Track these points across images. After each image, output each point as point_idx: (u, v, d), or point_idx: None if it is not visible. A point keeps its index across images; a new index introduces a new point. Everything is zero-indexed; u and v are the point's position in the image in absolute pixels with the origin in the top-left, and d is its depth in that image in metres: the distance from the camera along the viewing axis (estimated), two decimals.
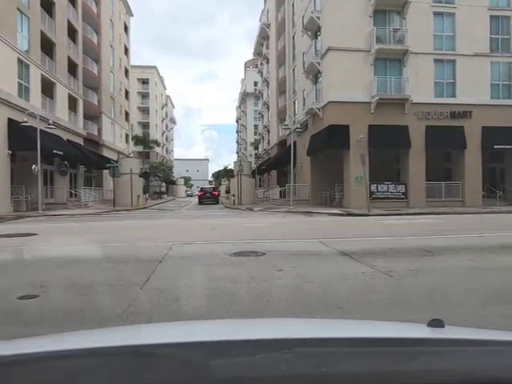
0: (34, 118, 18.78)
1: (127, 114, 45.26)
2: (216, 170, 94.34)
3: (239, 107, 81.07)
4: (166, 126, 78.79)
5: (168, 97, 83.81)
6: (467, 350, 0.91)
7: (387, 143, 20.20)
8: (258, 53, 47.87)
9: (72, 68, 27.74)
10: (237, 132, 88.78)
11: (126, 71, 45.19)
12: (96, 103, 33.16)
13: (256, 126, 65.20)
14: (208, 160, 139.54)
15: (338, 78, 20.32)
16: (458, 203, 20.54)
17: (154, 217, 18.16)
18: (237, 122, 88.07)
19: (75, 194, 25.85)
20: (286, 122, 26.40)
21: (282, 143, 32.39)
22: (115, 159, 31.82)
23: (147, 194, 38.15)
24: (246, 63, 74.56)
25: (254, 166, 42.70)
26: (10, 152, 19.13)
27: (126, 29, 45.69)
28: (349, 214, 16.70)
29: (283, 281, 4.77)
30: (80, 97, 29.25)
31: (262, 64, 45.57)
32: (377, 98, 20.18)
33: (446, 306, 3.58)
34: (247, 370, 0.79)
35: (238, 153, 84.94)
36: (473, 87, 20.79)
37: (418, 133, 20.48)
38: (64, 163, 24.35)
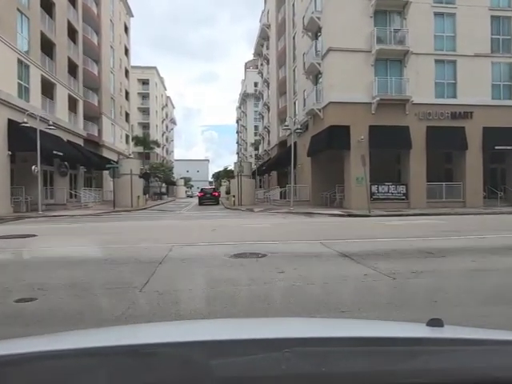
0: (33, 118, 18.75)
1: (127, 115, 45.26)
2: (216, 170, 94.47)
3: (239, 108, 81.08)
4: (167, 127, 78.79)
5: (168, 97, 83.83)
6: (466, 350, 0.91)
7: (388, 144, 20.15)
8: (258, 53, 47.87)
9: (72, 69, 27.71)
10: (237, 133, 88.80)
11: (127, 72, 45.19)
12: (96, 104, 33.14)
13: (256, 127, 65.19)
14: (208, 161, 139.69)
15: (339, 78, 20.28)
16: (459, 204, 20.49)
17: (154, 218, 18.12)
18: (237, 122, 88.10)
19: (75, 195, 25.81)
20: (286, 123, 26.40)
21: (283, 144, 32.35)
22: (115, 160, 31.80)
23: (147, 195, 38.12)
24: (246, 64, 74.56)
25: (254, 166, 42.67)
26: (10, 153, 19.09)
27: (126, 29, 45.70)
28: (349, 215, 16.65)
29: (284, 283, 4.71)
30: (80, 97, 29.23)
31: (262, 65, 45.56)
32: (377, 98, 20.14)
33: (450, 309, 3.52)
34: (247, 370, 0.78)
35: (238, 153, 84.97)
36: (474, 88, 20.74)
37: (418, 133, 20.44)
38: (64, 164, 24.31)
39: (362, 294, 4.32)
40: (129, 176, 26.39)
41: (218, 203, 33.13)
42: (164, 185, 58.39)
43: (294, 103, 30.04)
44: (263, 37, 41.79)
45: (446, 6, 21.11)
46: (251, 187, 30.37)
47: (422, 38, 20.59)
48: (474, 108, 20.75)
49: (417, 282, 4.79)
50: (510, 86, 21.68)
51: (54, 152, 21.08)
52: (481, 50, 21.08)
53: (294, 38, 29.78)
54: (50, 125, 19.70)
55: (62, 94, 25.63)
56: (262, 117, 48.86)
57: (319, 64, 22.19)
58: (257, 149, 56.71)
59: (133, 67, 51.07)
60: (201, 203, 32.70)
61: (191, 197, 70.19)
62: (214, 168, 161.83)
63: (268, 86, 41.63)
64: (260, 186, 43.17)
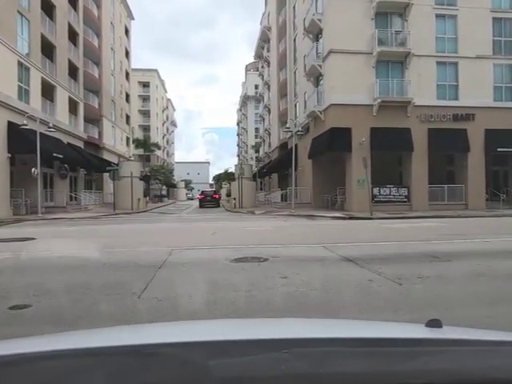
0: (33, 120, 18.67)
1: (128, 117, 45.22)
2: (217, 173, 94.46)
3: (240, 110, 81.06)
4: (167, 129, 78.77)
5: (169, 100, 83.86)
6: (465, 350, 0.91)
7: (389, 146, 20.04)
8: (258, 56, 47.83)
9: (73, 71, 27.67)
10: (238, 135, 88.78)
11: (127, 74, 45.18)
12: (97, 106, 33.09)
13: (257, 129, 65.11)
14: (209, 163, 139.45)
15: (340, 80, 20.19)
16: (461, 206, 20.35)
17: (155, 220, 18.00)
18: (237, 125, 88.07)
19: (75, 198, 25.71)
20: (287, 125, 26.31)
21: (283, 146, 32.26)
22: (116, 162, 31.73)
23: (148, 198, 38.02)
24: (246, 66, 74.56)
25: (254, 169, 42.52)
26: (10, 155, 19.00)
27: (126, 32, 45.72)
28: (351, 218, 16.52)
29: (287, 289, 4.58)
30: (81, 100, 29.18)
31: (262, 67, 45.53)
32: (379, 100, 20.05)
33: (462, 316, 3.38)
34: (246, 370, 0.78)
35: (238, 156, 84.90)
36: (475, 90, 20.63)
37: (420, 135, 20.33)
38: (64, 166, 24.21)
39: (367, 300, 4.19)
40: (129, 178, 26.30)
41: (218, 206, 33.02)
42: (164, 187, 58.30)
43: (295, 105, 29.96)
44: (264, 39, 41.78)
45: (447, 7, 21.04)
46: (252, 190, 30.25)
47: (424, 39, 20.51)
48: (476, 110, 20.65)
49: (424, 287, 4.64)
50: (511, 87, 21.58)
51: (54, 154, 20.99)
52: (482, 52, 20.98)
53: (294, 40, 29.74)
54: (49, 127, 19.60)
55: (62, 97, 25.56)
56: (263, 119, 48.81)
57: (320, 66, 22.12)
58: (257, 151, 56.62)
59: (133, 70, 51.08)
60: (201, 206, 32.61)
61: (192, 199, 70.02)
62: (215, 170, 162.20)
63: (269, 89, 41.59)
64: (261, 189, 43.06)
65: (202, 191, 36.29)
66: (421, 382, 0.78)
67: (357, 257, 6.50)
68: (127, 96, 44.79)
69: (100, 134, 33.83)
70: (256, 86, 61.13)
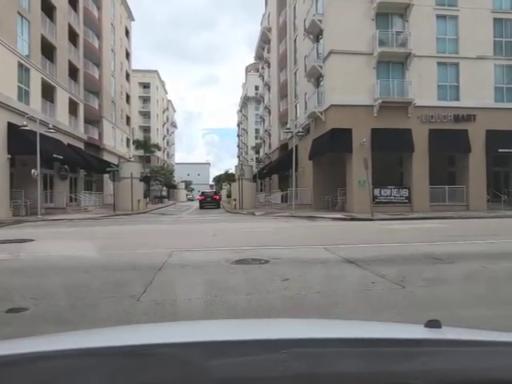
0: (33, 121, 18.62)
1: (128, 119, 45.19)
2: (217, 174, 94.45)
3: (240, 111, 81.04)
4: (167, 131, 78.77)
5: (169, 101, 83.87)
6: (464, 351, 0.91)
7: (390, 147, 19.98)
8: (259, 57, 47.82)
9: (73, 72, 27.63)
10: (238, 136, 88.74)
11: (127, 75, 45.16)
12: (97, 107, 33.05)
13: (257, 130, 65.05)
14: (209, 164, 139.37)
15: (341, 81, 20.14)
16: (462, 207, 20.27)
17: (154, 221, 17.93)
18: (238, 126, 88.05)
19: (75, 199, 25.65)
20: (287, 126, 26.25)
21: (284, 147, 32.19)
22: (116, 163, 31.67)
23: (148, 199, 37.95)
24: (247, 67, 74.54)
25: (255, 170, 42.48)
26: (10, 156, 18.96)
27: (127, 33, 45.72)
28: (352, 219, 16.45)
29: (289, 292, 4.50)
30: (81, 101, 29.14)
31: (263, 68, 45.50)
32: (379, 101, 19.98)
33: (472, 322, 3.31)
34: (245, 371, 0.78)
35: (239, 157, 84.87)
36: (476, 90, 20.57)
37: (421, 136, 20.26)
38: (64, 167, 24.16)
39: (371, 304, 4.12)
40: (129, 179, 26.25)
41: (218, 207, 32.95)
42: (165, 188, 58.25)
43: (296, 106, 29.91)
44: (264, 40, 41.76)
45: (448, 8, 20.99)
46: (252, 191, 30.18)
47: (425, 40, 20.46)
48: (477, 111, 20.58)
49: (428, 290, 4.57)
50: None
51: (54, 155, 20.94)
52: (483, 53, 20.93)
53: (295, 40, 29.70)
54: (49, 128, 19.56)
55: (62, 98, 25.53)
56: (263, 120, 48.76)
57: (321, 67, 22.07)
58: (258, 152, 56.59)
59: (134, 71, 51.06)
60: (201, 207, 32.53)
61: (192, 200, 69.93)
62: (215, 171, 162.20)
63: (269, 89, 41.55)
64: (261, 190, 43.00)
65: (202, 192, 36.20)
66: (420, 383, 0.78)
67: (359, 258, 6.43)
68: (127, 97, 44.76)
69: (100, 135, 33.79)
70: (256, 87, 61.11)
